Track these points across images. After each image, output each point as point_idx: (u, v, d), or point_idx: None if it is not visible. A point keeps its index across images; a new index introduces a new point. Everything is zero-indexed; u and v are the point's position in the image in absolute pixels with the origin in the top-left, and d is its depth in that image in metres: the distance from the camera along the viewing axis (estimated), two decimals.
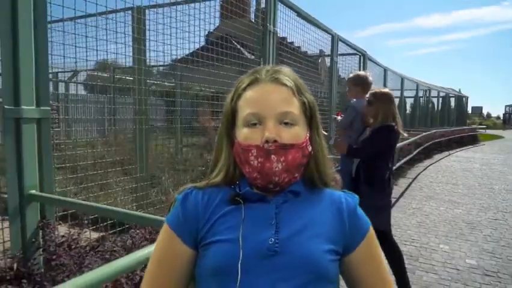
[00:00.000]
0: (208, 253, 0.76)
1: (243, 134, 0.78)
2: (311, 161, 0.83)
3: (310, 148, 0.82)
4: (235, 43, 4.53)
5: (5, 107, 1.79)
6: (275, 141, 0.75)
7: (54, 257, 1.74)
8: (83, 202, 2.03)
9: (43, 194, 1.92)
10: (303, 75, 5.45)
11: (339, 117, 3.34)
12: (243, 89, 0.81)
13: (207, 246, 0.77)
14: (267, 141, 0.75)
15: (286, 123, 0.77)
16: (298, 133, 0.78)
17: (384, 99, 2.86)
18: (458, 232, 4.49)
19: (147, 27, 3.91)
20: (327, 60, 6.93)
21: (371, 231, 0.85)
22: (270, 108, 0.77)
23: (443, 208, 5.66)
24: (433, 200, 6.18)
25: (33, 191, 1.89)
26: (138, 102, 4.07)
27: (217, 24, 4.16)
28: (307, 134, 0.82)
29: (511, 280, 3.20)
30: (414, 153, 9.00)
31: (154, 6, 3.96)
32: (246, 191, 0.80)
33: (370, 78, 3.28)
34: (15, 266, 1.60)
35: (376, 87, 3.39)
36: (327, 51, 6.28)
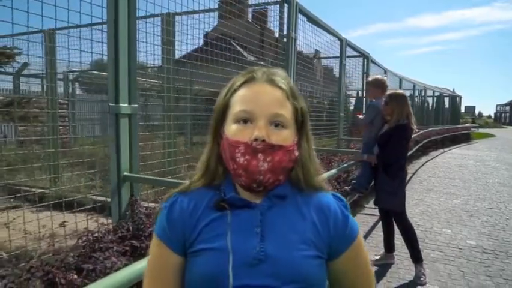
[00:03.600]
0: (197, 261, 0.77)
1: (232, 129, 0.77)
2: (298, 166, 0.83)
3: (297, 153, 0.81)
4: (235, 44, 4.89)
5: (109, 104, 2.23)
6: (264, 140, 0.74)
7: (148, 225, 2.17)
8: (166, 179, 2.45)
9: (134, 175, 2.35)
10: (303, 74, 5.90)
11: (360, 116, 3.84)
12: (238, 86, 0.81)
13: (195, 254, 0.78)
14: (255, 140, 0.74)
15: (276, 125, 0.77)
16: (287, 136, 0.78)
17: (398, 99, 3.33)
18: (458, 219, 5.01)
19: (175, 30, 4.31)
20: (323, 61, 7.43)
21: (359, 239, 0.85)
22: (263, 108, 0.76)
23: (443, 199, 6.17)
24: (433, 192, 6.69)
25: (125, 173, 2.32)
26: (167, 100, 4.50)
27: (227, 26, 4.53)
28: (296, 139, 0.81)
29: (506, 256, 3.72)
30: (414, 149, 9.51)
31: (186, 13, 4.36)
32: (231, 197, 0.79)
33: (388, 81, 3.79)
34: (130, 228, 2.03)
35: (392, 88, 3.89)
36: (328, 54, 6.77)
